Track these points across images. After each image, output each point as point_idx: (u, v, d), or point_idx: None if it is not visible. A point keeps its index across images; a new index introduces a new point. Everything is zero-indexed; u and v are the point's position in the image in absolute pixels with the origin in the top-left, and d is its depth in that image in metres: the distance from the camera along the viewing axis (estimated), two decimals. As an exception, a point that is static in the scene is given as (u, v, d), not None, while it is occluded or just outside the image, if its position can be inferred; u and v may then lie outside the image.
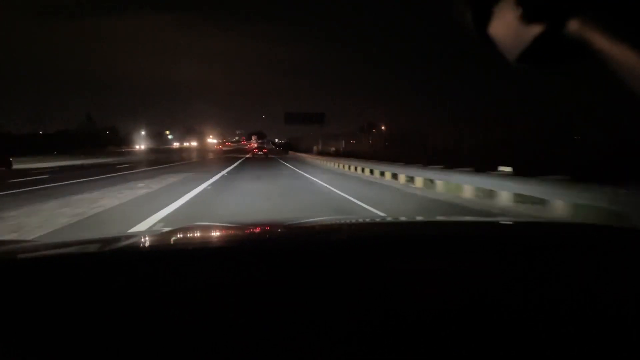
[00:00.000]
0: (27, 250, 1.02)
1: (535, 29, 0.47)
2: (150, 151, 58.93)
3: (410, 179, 13.39)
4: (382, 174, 16.17)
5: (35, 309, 0.62)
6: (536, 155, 10.47)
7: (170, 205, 7.94)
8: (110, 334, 0.58)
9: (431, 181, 11.99)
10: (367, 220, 2.55)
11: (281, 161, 36.34)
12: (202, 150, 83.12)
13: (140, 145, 53.39)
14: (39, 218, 6.73)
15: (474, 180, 9.72)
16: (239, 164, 29.42)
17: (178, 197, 9.17)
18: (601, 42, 0.42)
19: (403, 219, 2.58)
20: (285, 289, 0.68)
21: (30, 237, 5.01)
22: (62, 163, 29.67)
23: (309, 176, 17.30)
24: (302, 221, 1.63)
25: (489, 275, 0.74)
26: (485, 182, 9.31)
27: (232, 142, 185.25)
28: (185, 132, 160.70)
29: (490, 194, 9.20)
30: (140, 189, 11.41)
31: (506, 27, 0.49)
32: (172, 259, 0.84)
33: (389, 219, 2.68)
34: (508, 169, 9.20)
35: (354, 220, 2.12)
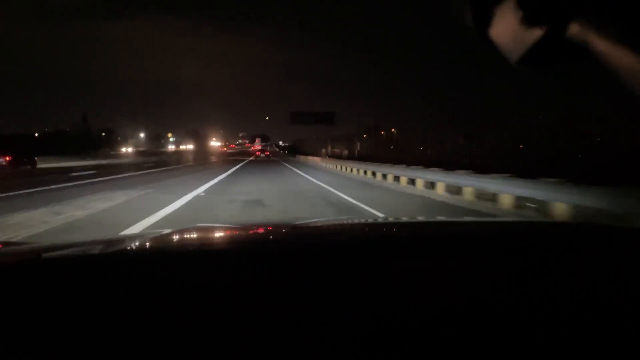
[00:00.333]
0: (27, 252, 1.04)
1: (536, 32, 0.47)
2: (137, 154, 53.50)
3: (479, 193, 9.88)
4: (433, 185, 12.17)
5: (36, 311, 0.62)
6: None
7: None
8: (111, 336, 0.58)
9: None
10: (369, 220, 2.65)
11: (288, 166, 30.98)
12: (200, 153, 78.25)
13: (128, 148, 48.60)
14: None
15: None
16: (236, 171, 23.21)
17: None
18: (601, 44, 0.43)
19: (405, 219, 2.59)
20: (287, 291, 0.68)
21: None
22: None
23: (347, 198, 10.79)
24: (304, 222, 1.65)
25: (491, 275, 0.75)
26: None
27: (236, 145, 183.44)
28: (187, 134, 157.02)
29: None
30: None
31: (507, 30, 0.49)
32: (173, 261, 0.84)
33: (390, 219, 2.93)
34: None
35: (355, 221, 2.17)
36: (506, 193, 8.62)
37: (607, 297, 0.67)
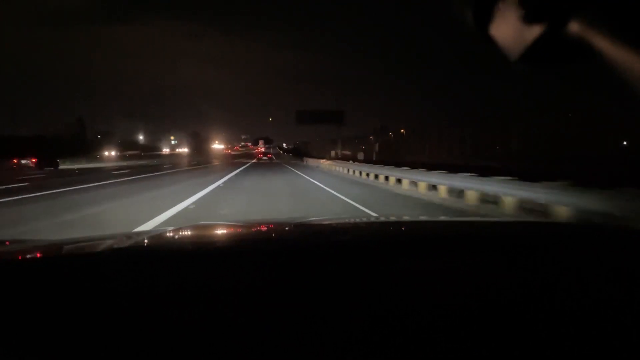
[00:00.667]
0: (29, 249, 1.03)
1: (537, 30, 0.47)
2: (121, 158, 48.31)
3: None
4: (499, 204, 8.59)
5: (36, 309, 0.62)
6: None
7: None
8: (112, 334, 0.58)
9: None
10: (371, 219, 2.66)
11: (299, 172, 24.94)
12: (198, 155, 73.07)
13: (111, 151, 44.23)
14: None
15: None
16: (231, 181, 17.25)
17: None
18: (602, 43, 0.43)
19: (407, 218, 2.60)
20: (289, 289, 0.69)
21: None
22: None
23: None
24: (306, 220, 1.74)
25: (492, 275, 0.75)
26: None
27: (240, 147, 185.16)
28: (188, 136, 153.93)
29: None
30: None
31: (508, 28, 0.50)
32: (176, 258, 0.85)
33: (392, 218, 2.81)
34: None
35: (357, 220, 2.29)
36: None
37: (606, 298, 0.68)
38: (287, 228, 1.44)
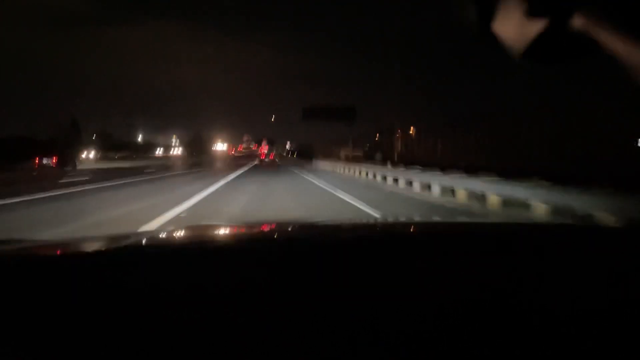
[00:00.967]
0: (30, 249, 1.03)
1: (540, 25, 0.47)
2: (100, 160, 42.70)
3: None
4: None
5: (37, 308, 0.62)
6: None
7: None
8: (112, 334, 0.58)
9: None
10: (370, 221, 2.90)
11: (316, 183, 18.62)
12: (190, 158, 67.60)
13: (89, 153, 39.21)
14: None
15: None
16: (214, 195, 11.84)
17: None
18: (606, 37, 0.43)
19: (408, 219, 2.72)
20: (289, 289, 0.69)
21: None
22: None
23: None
24: (306, 221, 1.85)
25: (490, 276, 0.75)
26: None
27: (243, 148, 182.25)
28: (187, 138, 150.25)
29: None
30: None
31: (510, 23, 0.49)
32: (176, 258, 0.85)
33: (393, 219, 3.02)
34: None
35: (358, 221, 2.45)
36: None
37: (607, 298, 0.68)
38: (287, 228, 1.46)
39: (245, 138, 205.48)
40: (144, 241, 1.10)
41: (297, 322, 0.60)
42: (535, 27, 0.47)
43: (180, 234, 1.24)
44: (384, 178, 17.30)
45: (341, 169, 26.05)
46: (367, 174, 20.30)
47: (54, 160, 31.31)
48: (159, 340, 0.57)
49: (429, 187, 12.70)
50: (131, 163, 43.62)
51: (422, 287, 0.69)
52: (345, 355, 0.55)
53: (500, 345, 0.57)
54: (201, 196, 11.13)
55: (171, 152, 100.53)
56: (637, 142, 9.62)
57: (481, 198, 9.70)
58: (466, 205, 9.95)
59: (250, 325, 0.59)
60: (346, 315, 0.61)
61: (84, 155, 38.34)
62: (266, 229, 1.42)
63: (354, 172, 23.01)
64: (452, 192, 11.33)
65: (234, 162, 53.46)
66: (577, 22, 0.44)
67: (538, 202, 7.81)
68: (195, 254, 0.88)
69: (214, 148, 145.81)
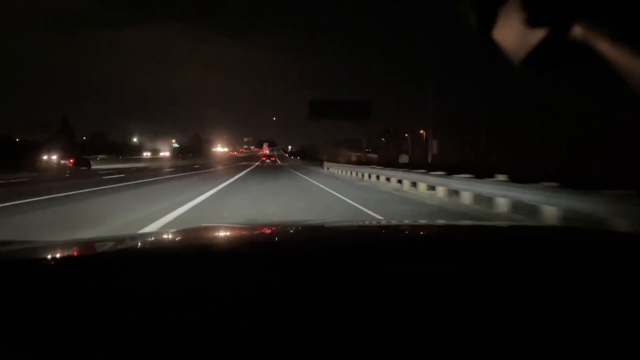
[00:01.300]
0: (31, 250, 1.02)
1: (540, 33, 0.47)
2: (63, 165, 38.04)
3: None
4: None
5: (38, 309, 0.62)
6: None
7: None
8: (113, 335, 0.58)
9: None
10: (372, 222, 2.90)
11: (340, 196, 13.60)
12: (177, 161, 63.75)
13: (51, 155, 35.26)
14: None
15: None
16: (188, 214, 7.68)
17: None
18: (606, 46, 0.43)
19: (406, 222, 2.62)
20: (289, 291, 0.69)
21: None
22: None
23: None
24: (308, 223, 1.74)
25: (492, 278, 0.75)
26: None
27: (244, 149, 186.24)
28: (191, 140, 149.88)
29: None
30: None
31: (511, 31, 0.50)
32: (177, 259, 0.85)
33: (393, 222, 2.91)
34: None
35: (361, 223, 2.22)
36: None
37: (606, 301, 0.68)
38: (289, 230, 1.44)
39: (246, 140, 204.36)
40: (145, 242, 1.13)
41: (298, 325, 0.60)
42: (535, 36, 0.47)
43: (181, 235, 1.22)
44: (432, 188, 12.56)
45: (353, 173, 20.97)
46: (387, 180, 16.83)
47: (71, 161, 34.58)
48: (160, 342, 0.57)
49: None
50: (108, 165, 40.64)
51: (424, 290, 0.69)
52: (345, 358, 0.55)
53: (501, 348, 0.57)
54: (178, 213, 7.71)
55: (160, 154, 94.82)
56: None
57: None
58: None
59: (251, 327, 0.59)
60: (347, 318, 0.61)
61: (45, 157, 34.52)
62: (268, 230, 1.40)
63: (370, 177, 19.26)
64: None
65: (231, 163, 49.93)
66: (577, 31, 0.45)
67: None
68: (196, 256, 0.87)
69: (213, 150, 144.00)
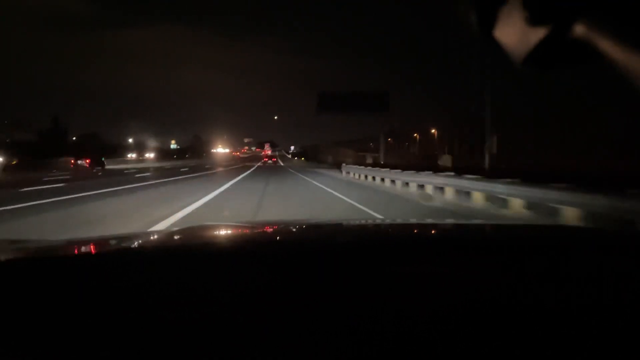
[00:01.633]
0: (31, 249, 1.02)
1: (541, 32, 0.47)
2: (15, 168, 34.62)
3: None
4: None
5: (39, 308, 0.62)
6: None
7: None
8: (114, 334, 0.58)
9: None
10: (375, 221, 2.89)
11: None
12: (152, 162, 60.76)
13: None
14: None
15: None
16: None
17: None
18: (607, 45, 0.43)
19: (410, 221, 2.59)
20: (290, 290, 0.69)
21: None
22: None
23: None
24: (309, 222, 1.79)
25: (492, 278, 0.75)
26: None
27: (246, 150, 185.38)
28: (191, 140, 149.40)
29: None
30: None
31: (512, 30, 0.50)
32: (179, 259, 0.84)
33: (396, 221, 2.85)
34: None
35: (361, 222, 2.27)
36: None
37: (606, 300, 0.67)
38: (290, 229, 1.43)
39: (246, 140, 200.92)
40: (147, 241, 1.12)
41: (298, 323, 0.60)
42: (537, 34, 0.47)
43: (182, 234, 1.21)
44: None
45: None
46: (420, 188, 13.18)
47: (87, 161, 36.84)
48: (162, 340, 0.57)
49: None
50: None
51: (425, 290, 0.68)
52: (345, 357, 0.55)
53: (503, 347, 0.57)
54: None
55: (146, 156, 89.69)
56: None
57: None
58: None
59: (252, 326, 0.59)
60: (348, 318, 0.61)
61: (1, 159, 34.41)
62: (269, 229, 1.39)
63: (396, 184, 15.46)
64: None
65: (229, 166, 45.70)
66: (578, 30, 0.44)
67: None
68: (197, 255, 0.87)
69: (213, 151, 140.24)
